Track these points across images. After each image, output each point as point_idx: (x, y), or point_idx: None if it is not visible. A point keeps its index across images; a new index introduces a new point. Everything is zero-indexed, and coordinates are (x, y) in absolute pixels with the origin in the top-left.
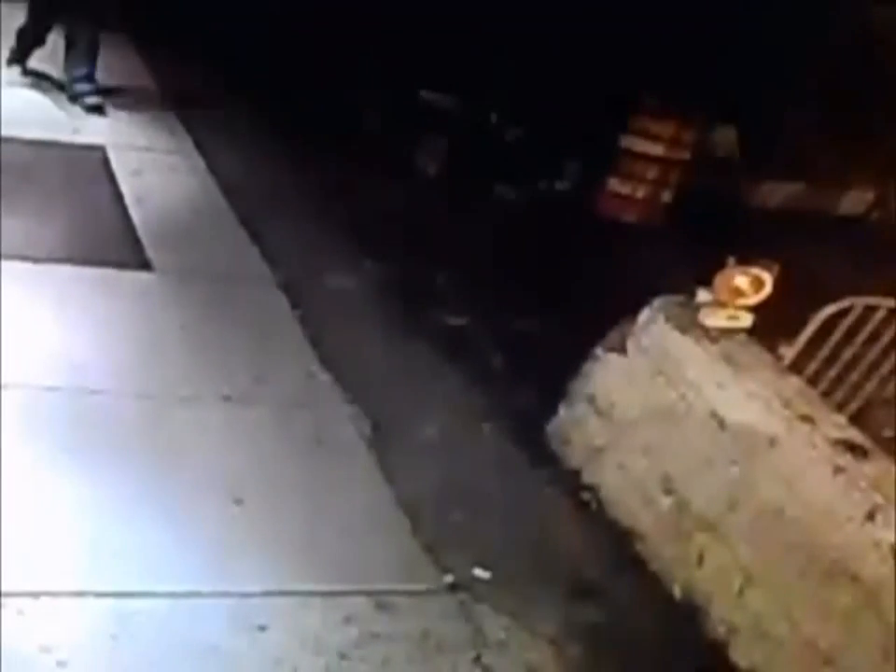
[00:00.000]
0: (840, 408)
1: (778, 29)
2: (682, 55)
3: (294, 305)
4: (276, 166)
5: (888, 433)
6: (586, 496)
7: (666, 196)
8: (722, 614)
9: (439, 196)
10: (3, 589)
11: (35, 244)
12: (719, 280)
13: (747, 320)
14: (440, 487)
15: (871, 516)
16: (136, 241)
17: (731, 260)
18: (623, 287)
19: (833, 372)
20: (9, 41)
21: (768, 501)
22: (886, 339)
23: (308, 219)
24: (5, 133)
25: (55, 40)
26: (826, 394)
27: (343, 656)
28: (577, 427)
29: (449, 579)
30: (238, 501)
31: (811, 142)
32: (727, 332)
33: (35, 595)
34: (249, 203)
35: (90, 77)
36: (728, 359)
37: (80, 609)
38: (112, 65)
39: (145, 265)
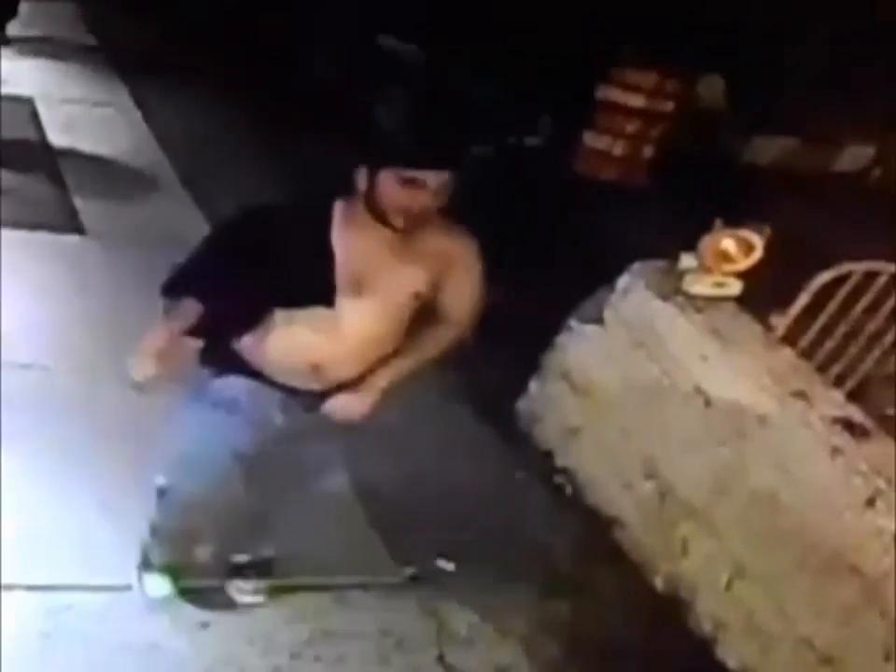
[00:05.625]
0: (837, 383)
1: None
2: None
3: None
4: (222, 121)
5: (889, 411)
6: (560, 480)
7: (648, 152)
8: (709, 609)
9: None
10: None
11: None
12: (704, 244)
13: (735, 288)
14: (399, 471)
15: (871, 502)
16: (68, 201)
17: (718, 222)
18: (600, 252)
19: (829, 345)
20: None
21: (759, 486)
22: (887, 308)
23: (257, 179)
24: None
25: None
26: (822, 368)
27: (294, 655)
28: (550, 404)
29: (410, 571)
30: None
31: (806, 93)
32: (714, 301)
33: None
34: (192, 160)
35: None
36: (714, 331)
37: (8, 603)
38: (43, 11)
39: (77, 228)
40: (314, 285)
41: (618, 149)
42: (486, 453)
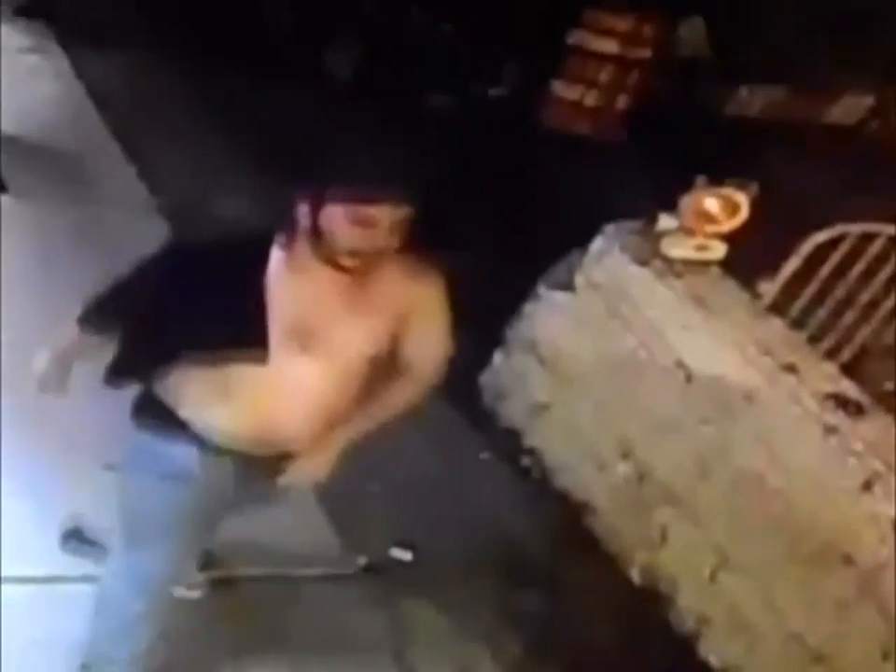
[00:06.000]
0: (831, 356)
1: None
2: None
3: (177, 234)
4: (158, 69)
5: (888, 386)
6: (527, 461)
7: (623, 102)
8: (691, 603)
9: (352, 105)
10: None
11: None
12: (685, 203)
13: (719, 251)
14: (350, 452)
15: (868, 486)
16: None
17: (700, 180)
18: (571, 212)
19: (822, 314)
20: None
21: (745, 468)
22: (884, 273)
23: (196, 133)
24: None
25: None
26: (814, 339)
27: (238, 653)
28: (516, 379)
29: (363, 561)
30: (111, 468)
31: (797, 37)
32: (695, 266)
33: None
34: (125, 113)
35: None
36: (696, 298)
37: None
38: None
39: None
40: (240, 331)
41: (590, 100)
42: (446, 431)
